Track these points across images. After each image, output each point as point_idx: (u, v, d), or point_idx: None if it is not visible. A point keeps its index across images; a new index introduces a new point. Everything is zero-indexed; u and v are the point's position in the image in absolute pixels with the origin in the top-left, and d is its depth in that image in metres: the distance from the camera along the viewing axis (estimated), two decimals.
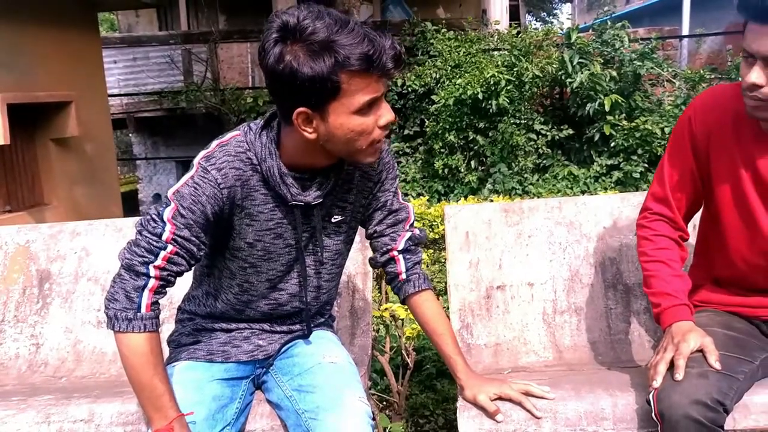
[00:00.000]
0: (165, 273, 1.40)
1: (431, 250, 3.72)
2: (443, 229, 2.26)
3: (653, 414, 1.43)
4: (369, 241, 1.73)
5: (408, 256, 1.67)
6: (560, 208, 2.11)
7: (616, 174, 6.74)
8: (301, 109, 1.33)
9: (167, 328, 1.81)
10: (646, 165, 6.68)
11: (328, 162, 1.47)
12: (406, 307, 2.39)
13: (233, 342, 1.63)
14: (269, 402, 1.63)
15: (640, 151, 6.67)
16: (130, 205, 9.43)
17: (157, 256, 1.39)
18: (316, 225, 1.53)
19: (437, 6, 10.20)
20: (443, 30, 8.01)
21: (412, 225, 1.69)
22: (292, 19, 1.27)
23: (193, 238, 1.41)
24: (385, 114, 1.38)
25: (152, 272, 1.39)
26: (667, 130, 6.52)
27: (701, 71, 7.22)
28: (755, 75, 1.43)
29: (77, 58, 5.38)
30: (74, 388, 1.87)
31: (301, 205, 1.48)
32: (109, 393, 1.75)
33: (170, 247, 1.39)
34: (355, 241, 2.11)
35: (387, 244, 1.67)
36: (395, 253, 1.66)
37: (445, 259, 2.21)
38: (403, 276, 1.66)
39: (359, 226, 1.71)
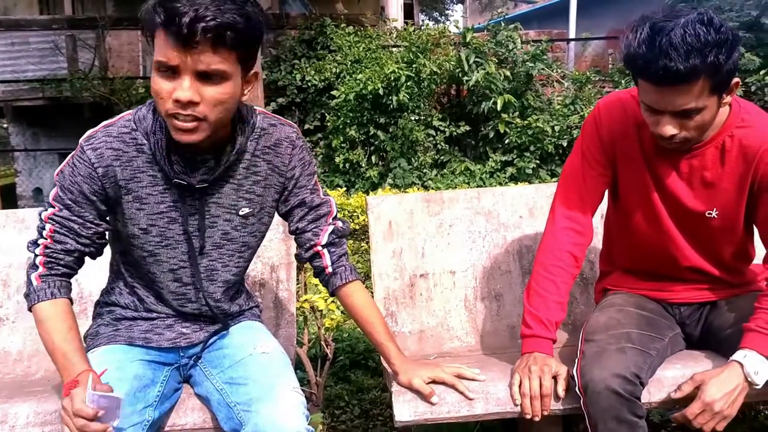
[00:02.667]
0: (49, 250, 1.47)
1: (351, 241, 3.70)
2: (363, 220, 2.27)
3: (577, 388, 1.51)
4: (293, 237, 1.71)
5: (333, 249, 1.66)
6: (479, 198, 2.18)
7: (510, 170, 7.00)
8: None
9: (81, 324, 1.71)
10: (538, 161, 6.98)
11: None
12: (325, 297, 2.38)
13: (155, 330, 1.60)
14: (198, 396, 1.59)
15: (532, 148, 6.95)
16: (7, 200, 8.80)
17: (41, 235, 1.48)
18: (200, 211, 1.51)
19: (337, 0, 10.19)
20: (342, 25, 8.01)
21: (335, 218, 1.67)
22: None
23: (75, 217, 1.45)
24: (179, 90, 1.29)
25: (38, 250, 1.48)
26: (557, 128, 6.85)
27: (587, 73, 7.64)
28: (669, 128, 1.47)
29: None
30: None
31: (184, 185, 1.46)
32: (21, 393, 1.65)
33: (49, 226, 1.46)
34: (279, 232, 2.09)
35: (310, 239, 1.65)
36: (319, 248, 1.65)
37: (366, 249, 2.22)
38: (330, 269, 1.66)
39: (285, 222, 1.69)
